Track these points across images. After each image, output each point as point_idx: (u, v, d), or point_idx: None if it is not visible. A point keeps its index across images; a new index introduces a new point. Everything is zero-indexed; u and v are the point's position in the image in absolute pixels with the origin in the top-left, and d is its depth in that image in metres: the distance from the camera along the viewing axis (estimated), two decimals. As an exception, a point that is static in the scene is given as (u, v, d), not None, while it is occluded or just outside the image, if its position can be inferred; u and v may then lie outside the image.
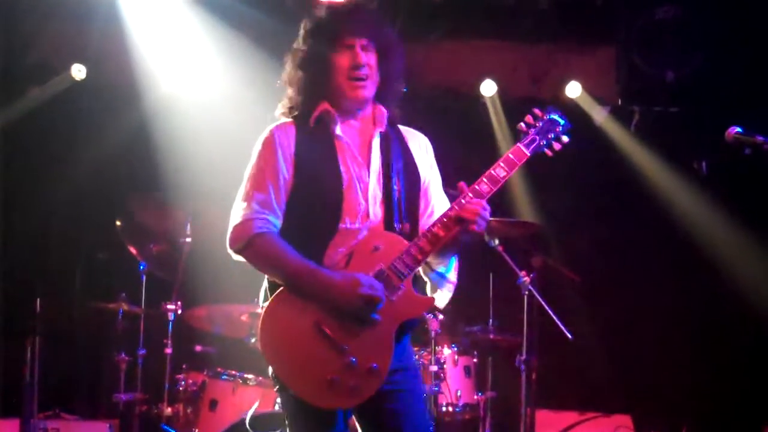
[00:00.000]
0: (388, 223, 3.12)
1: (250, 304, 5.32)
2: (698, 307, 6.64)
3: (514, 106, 7.09)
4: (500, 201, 5.86)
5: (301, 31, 3.23)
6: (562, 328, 4.86)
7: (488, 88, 6.98)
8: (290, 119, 3.20)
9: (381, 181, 3.15)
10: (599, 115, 7.00)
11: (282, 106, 3.26)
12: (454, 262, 3.26)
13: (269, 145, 3.14)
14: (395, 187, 3.14)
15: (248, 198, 3.10)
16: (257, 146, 3.17)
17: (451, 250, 3.19)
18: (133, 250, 5.66)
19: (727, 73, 6.31)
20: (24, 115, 6.56)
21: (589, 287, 6.47)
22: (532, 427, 5.17)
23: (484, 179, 3.08)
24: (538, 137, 3.16)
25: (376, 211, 3.11)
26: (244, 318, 5.40)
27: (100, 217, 6.07)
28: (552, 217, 6.45)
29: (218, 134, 6.43)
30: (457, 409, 5.45)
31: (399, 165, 3.19)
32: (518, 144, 3.15)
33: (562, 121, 3.20)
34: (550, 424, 6.10)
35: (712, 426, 5.81)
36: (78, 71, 6.63)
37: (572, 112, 6.97)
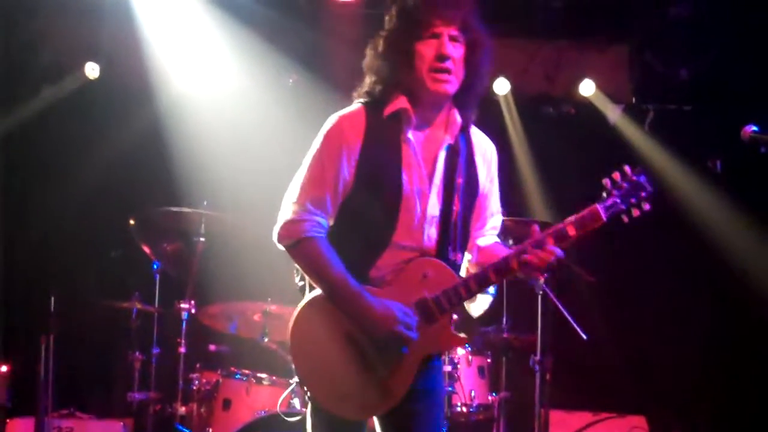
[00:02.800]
0: (442, 248, 3.03)
1: (264, 302, 5.33)
2: (713, 307, 6.62)
3: (528, 105, 7.09)
4: (513, 200, 5.85)
5: (388, 15, 3.04)
6: (577, 328, 4.84)
7: (501, 86, 6.97)
8: (360, 104, 3.05)
9: (441, 199, 3.03)
10: (613, 113, 6.98)
11: (357, 94, 3.08)
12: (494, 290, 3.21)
13: (335, 138, 2.99)
14: (454, 208, 3.03)
15: (304, 193, 2.99)
16: (322, 133, 3.02)
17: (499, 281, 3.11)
18: (146, 249, 5.66)
19: (741, 70, 6.28)
20: (38, 114, 6.59)
21: (604, 287, 6.44)
22: (546, 427, 5.15)
23: (551, 234, 2.97)
24: (619, 200, 2.98)
25: (430, 232, 3.02)
26: (257, 317, 5.40)
27: (114, 216, 6.08)
28: (565, 217, 6.42)
29: (231, 132, 6.45)
30: (471, 410, 5.44)
31: (461, 181, 3.05)
32: (597, 205, 2.99)
33: (648, 186, 3.01)
34: (565, 424, 6.08)
35: (727, 428, 5.78)
36: (91, 70, 6.66)
37: (586, 110, 6.99)
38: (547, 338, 5.14)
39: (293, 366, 3.05)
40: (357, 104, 3.07)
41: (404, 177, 2.98)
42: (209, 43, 6.51)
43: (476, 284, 2.98)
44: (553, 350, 5.17)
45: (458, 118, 3.06)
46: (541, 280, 5.01)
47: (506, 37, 6.80)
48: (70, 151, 6.60)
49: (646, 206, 3.01)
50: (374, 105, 3.03)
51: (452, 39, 2.95)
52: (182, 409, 5.30)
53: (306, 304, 3.03)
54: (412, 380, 2.98)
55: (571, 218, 3.00)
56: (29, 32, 6.51)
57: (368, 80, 3.06)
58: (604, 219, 2.98)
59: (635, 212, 3.00)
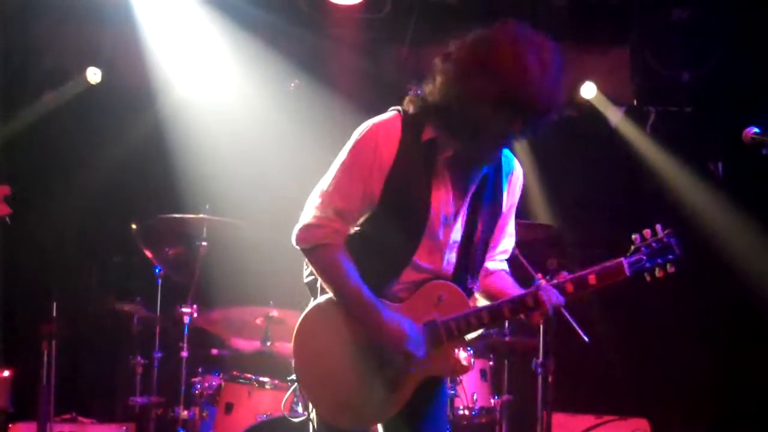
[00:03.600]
0: (460, 274, 3.00)
1: (266, 307, 5.33)
2: (715, 309, 6.60)
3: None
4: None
5: (488, 60, 2.74)
6: (579, 331, 4.82)
7: (503, 89, 6.95)
8: (398, 112, 2.93)
9: (464, 224, 2.97)
10: (614, 115, 6.97)
11: (416, 99, 2.90)
12: None
13: (368, 145, 2.89)
14: (476, 240, 2.99)
15: (328, 200, 2.92)
16: (354, 138, 2.92)
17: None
18: (148, 254, 5.66)
19: (743, 73, 6.27)
20: (40, 119, 6.59)
21: (605, 290, 6.43)
22: (549, 430, 5.13)
23: (573, 280, 2.99)
24: (645, 258, 3.00)
25: (450, 257, 2.99)
26: (259, 322, 5.40)
27: (116, 221, 6.09)
28: (568, 220, 6.42)
29: (233, 137, 6.45)
30: (474, 413, 5.43)
31: (486, 207, 3.00)
32: (623, 259, 2.99)
33: (677, 250, 3.04)
34: (567, 427, 6.07)
35: (730, 430, 5.76)
36: (93, 75, 6.66)
37: (587, 112, 6.98)
38: (550, 341, 5.12)
39: (294, 369, 3.03)
40: (394, 112, 2.96)
41: (432, 202, 2.91)
42: (210, 47, 6.52)
43: (489, 317, 2.97)
44: (556, 353, 5.15)
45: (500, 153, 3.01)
46: (542, 283, 5.01)
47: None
48: (72, 156, 6.61)
49: (672, 269, 3.03)
50: (413, 120, 2.91)
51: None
52: (184, 413, 5.30)
53: (313, 308, 3.02)
54: (407, 399, 2.96)
55: (595, 268, 2.99)
56: (31, 37, 6.51)
57: (427, 100, 2.86)
58: (627, 274, 2.98)
59: (659, 273, 3.02)
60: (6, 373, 5.69)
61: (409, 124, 2.90)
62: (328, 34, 6.60)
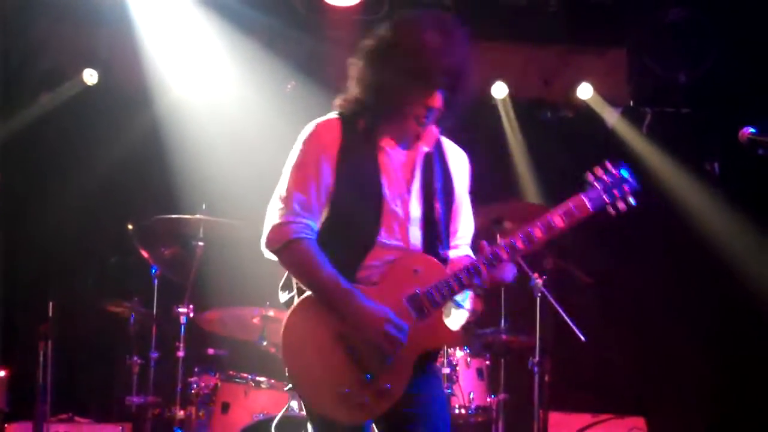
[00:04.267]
0: (430, 247, 3.06)
1: (262, 306, 5.33)
2: (712, 308, 6.62)
3: (526, 108, 7.10)
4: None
5: (390, 35, 3.00)
6: (575, 329, 4.84)
7: (499, 90, 6.98)
8: (337, 115, 3.09)
9: (421, 202, 3.07)
10: (611, 116, 6.99)
11: (338, 102, 3.10)
12: (468, 294, 3.20)
13: (313, 143, 3.03)
14: (436, 211, 3.07)
15: (289, 197, 3.01)
16: (300, 141, 3.06)
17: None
18: (145, 254, 5.66)
19: (739, 73, 6.28)
20: (36, 121, 6.59)
21: (602, 289, 6.45)
22: (545, 429, 5.15)
23: (539, 225, 2.99)
24: (603, 193, 3.03)
25: (415, 233, 3.04)
26: (256, 321, 5.39)
27: (113, 221, 6.09)
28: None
29: (229, 138, 6.45)
30: (470, 412, 5.44)
31: (439, 185, 3.11)
32: (581, 195, 3.03)
33: (632, 181, 3.06)
34: (564, 426, 6.07)
35: (727, 429, 5.77)
36: (90, 76, 6.67)
37: (583, 113, 7.00)
38: (546, 340, 5.14)
39: (287, 371, 3.02)
40: (334, 114, 3.11)
41: (383, 181, 3.04)
42: (207, 49, 6.51)
43: (467, 276, 2.98)
44: (552, 352, 5.17)
45: (434, 130, 3.13)
46: (538, 282, 5.02)
47: (504, 41, 6.82)
48: (68, 157, 6.61)
49: (632, 201, 3.04)
50: (349, 117, 3.08)
51: (443, 95, 2.99)
52: (181, 413, 5.30)
53: (296, 308, 3.02)
54: (409, 379, 2.96)
55: (558, 209, 3.02)
56: (28, 38, 6.51)
57: (354, 90, 3.05)
58: (591, 209, 3.02)
59: (621, 206, 3.04)
60: (2, 373, 5.68)
61: (346, 119, 3.07)
62: (325, 36, 6.60)
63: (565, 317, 4.90)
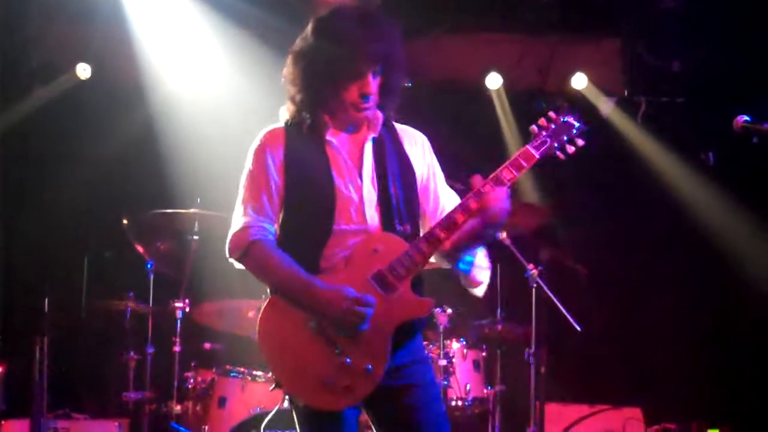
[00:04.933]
0: (388, 225, 3.09)
1: (258, 300, 5.32)
2: (708, 298, 6.63)
3: (520, 99, 7.09)
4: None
5: (311, 32, 3.08)
6: (571, 320, 4.85)
7: (493, 81, 6.97)
8: (281, 125, 3.18)
9: (375, 184, 3.10)
10: (606, 106, 6.98)
11: (287, 109, 3.19)
12: (479, 249, 3.20)
13: (259, 152, 3.13)
14: (392, 191, 3.10)
15: (244, 206, 3.11)
16: (249, 155, 3.16)
17: (472, 244, 3.12)
18: (140, 249, 5.66)
19: (734, 62, 6.28)
20: (30, 115, 6.57)
21: (598, 279, 6.45)
22: (542, 420, 5.16)
23: (490, 181, 3.01)
24: (549, 140, 3.06)
25: (372, 214, 3.08)
26: (251, 315, 5.39)
27: (107, 216, 6.08)
28: (559, 209, 6.42)
29: (224, 131, 6.42)
30: (467, 403, 5.44)
31: (394, 167, 3.14)
32: (527, 146, 3.06)
33: (577, 124, 3.09)
34: (560, 417, 6.07)
35: (723, 419, 5.78)
36: (83, 70, 6.64)
37: (578, 103, 6.99)
38: (542, 331, 5.14)
39: (270, 371, 3.07)
40: (278, 124, 3.20)
41: (333, 170, 3.09)
42: (201, 43, 6.50)
43: (426, 244, 3.01)
44: (548, 343, 5.18)
45: (379, 114, 3.17)
46: (534, 273, 5.02)
47: (498, 31, 6.81)
48: (62, 152, 6.59)
49: (580, 142, 3.08)
50: (292, 120, 3.16)
51: (374, 73, 3.05)
52: (178, 408, 5.30)
53: (266, 305, 3.06)
54: (387, 356, 2.97)
55: (506, 164, 3.04)
56: (20, 34, 6.49)
57: (291, 92, 3.13)
58: (537, 156, 3.04)
59: (569, 149, 3.08)
60: (-2, 370, 5.68)
61: (290, 124, 3.16)
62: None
63: (561, 308, 4.91)
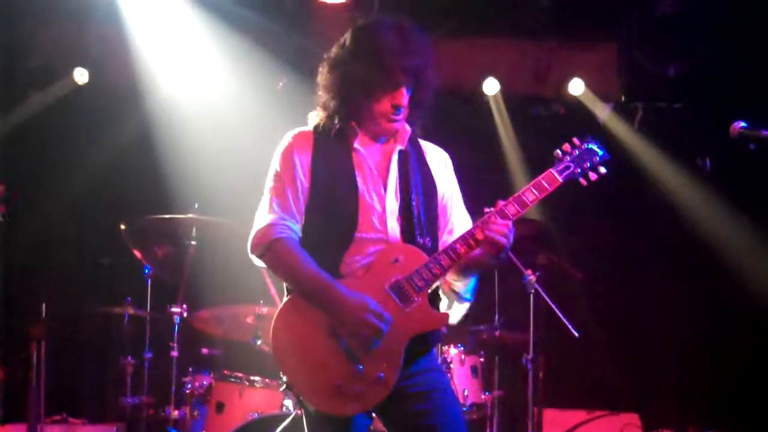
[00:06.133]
0: (409, 236, 3.11)
1: (256, 305, 5.32)
2: (704, 304, 6.63)
3: (518, 105, 7.10)
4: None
5: (350, 41, 3.14)
6: (569, 326, 4.85)
7: (491, 86, 6.98)
8: (310, 128, 3.20)
9: (398, 196, 3.14)
10: (602, 111, 6.99)
11: (317, 115, 3.21)
12: (473, 283, 3.25)
13: (287, 153, 3.15)
14: (414, 203, 3.14)
15: (269, 204, 3.12)
16: (276, 155, 3.19)
17: (472, 271, 3.19)
18: (137, 254, 5.64)
19: (730, 67, 6.28)
20: (27, 120, 6.56)
21: (595, 285, 6.46)
22: (540, 426, 5.16)
23: (512, 202, 3.05)
24: (572, 165, 3.12)
25: (393, 225, 3.11)
26: (249, 320, 5.38)
27: (105, 221, 6.07)
28: (556, 215, 6.43)
29: (221, 136, 6.44)
30: (465, 409, 5.43)
31: (417, 181, 3.18)
32: (551, 170, 3.11)
33: (600, 152, 3.15)
34: (558, 422, 6.09)
35: (720, 424, 5.79)
36: (80, 75, 6.64)
37: (575, 109, 7.00)
38: (540, 337, 5.15)
39: (280, 370, 3.05)
40: (307, 127, 3.23)
41: (358, 178, 3.13)
42: (198, 47, 6.50)
43: (446, 257, 3.04)
44: (546, 349, 5.18)
45: (407, 127, 3.21)
46: (532, 279, 5.02)
47: (494, 37, 6.82)
48: (60, 157, 6.59)
49: (602, 170, 3.14)
50: (322, 125, 3.19)
51: (407, 87, 3.10)
52: (175, 413, 5.28)
53: (282, 308, 3.08)
54: (399, 365, 2.98)
55: (529, 185, 3.10)
56: (17, 38, 6.48)
57: (324, 98, 3.16)
58: (561, 180, 3.10)
59: (592, 176, 3.14)
60: (-5, 375, 5.67)
61: (319, 128, 3.20)
62: (315, 33, 6.59)
63: (559, 314, 4.91)
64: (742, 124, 3.21)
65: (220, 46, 6.46)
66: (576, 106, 7.00)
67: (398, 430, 3.13)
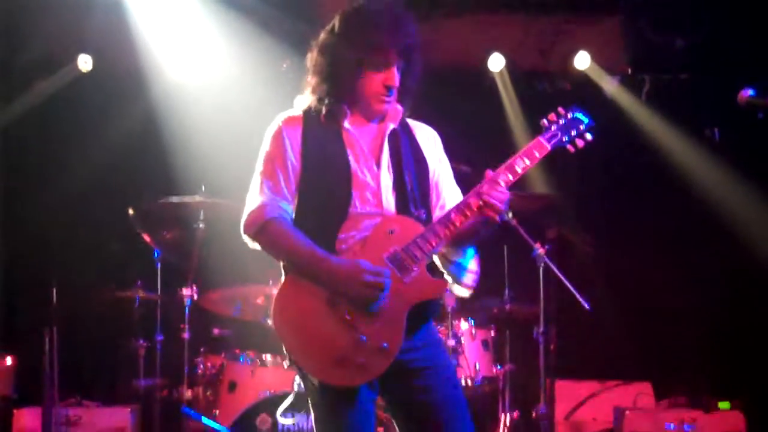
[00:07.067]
0: (403, 209, 3.14)
1: (266, 286, 5.33)
2: (715, 272, 6.61)
3: (523, 80, 7.08)
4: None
5: (339, 23, 3.15)
6: (579, 298, 4.84)
7: (496, 62, 6.95)
8: (299, 112, 3.21)
9: (391, 171, 3.17)
10: (609, 84, 6.96)
11: (305, 100, 3.22)
12: (472, 253, 3.27)
13: (277, 136, 3.17)
14: (407, 178, 3.16)
15: (260, 186, 3.14)
16: (266, 138, 3.20)
17: (467, 241, 3.21)
18: (146, 238, 5.66)
19: (737, 37, 6.25)
20: (32, 109, 6.57)
21: (605, 256, 6.45)
22: (553, 397, 5.17)
23: (504, 170, 3.09)
24: (560, 133, 3.16)
25: (388, 198, 3.13)
26: (259, 300, 5.41)
27: (113, 206, 6.08)
28: (565, 189, 6.42)
29: (226, 118, 6.43)
30: (477, 383, 5.44)
31: (408, 158, 3.21)
32: (539, 137, 3.16)
33: (585, 120, 3.20)
34: (571, 393, 6.10)
35: (733, 391, 5.78)
36: (84, 62, 6.64)
37: (582, 83, 6.97)
38: (550, 309, 5.15)
39: (284, 349, 3.06)
40: (294, 113, 3.24)
41: (350, 156, 3.15)
42: (201, 30, 6.49)
43: (442, 226, 3.06)
44: (556, 321, 5.18)
45: (399, 108, 3.23)
46: (541, 252, 5.02)
47: (499, 12, 6.78)
48: (66, 144, 6.60)
49: (588, 137, 3.19)
50: (311, 107, 3.21)
51: (398, 67, 3.13)
52: (188, 393, 5.32)
53: (281, 287, 3.09)
54: (402, 334, 3.00)
55: (519, 154, 3.13)
56: (20, 26, 6.48)
57: (313, 82, 3.18)
58: (549, 148, 3.15)
59: (579, 143, 3.19)
60: (9, 361, 5.70)
61: (308, 110, 3.21)
62: (318, 15, 6.56)
63: (569, 286, 4.91)
64: (750, 92, 3.20)
65: (223, 29, 6.44)
66: (582, 80, 6.97)
67: (398, 406, 3.15)
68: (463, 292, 3.31)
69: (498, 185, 3.05)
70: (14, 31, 6.45)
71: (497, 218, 3.05)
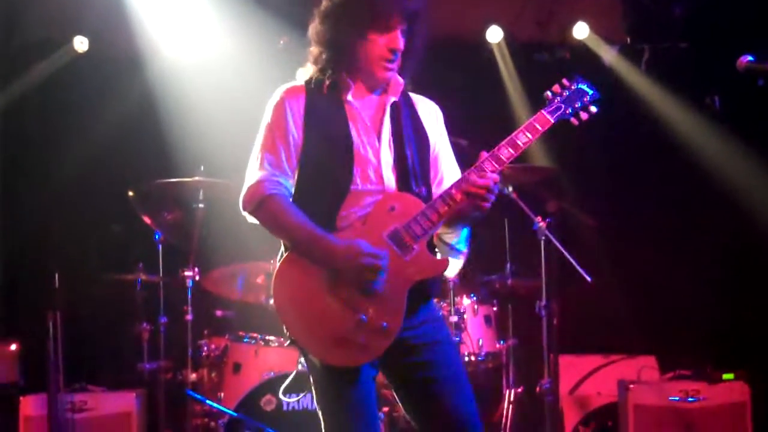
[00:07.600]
0: (404, 186, 3.12)
1: (266, 263, 5.33)
2: (718, 243, 6.60)
3: (522, 52, 7.03)
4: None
5: None
6: (581, 271, 4.83)
7: (494, 34, 6.91)
8: (302, 83, 3.17)
9: (392, 146, 3.14)
10: (608, 54, 6.91)
11: (307, 71, 3.19)
12: (465, 233, 3.27)
13: (279, 108, 3.12)
14: (408, 153, 3.14)
15: (260, 160, 3.10)
16: (267, 109, 3.16)
17: (461, 222, 3.21)
18: (147, 220, 5.66)
19: (736, 4, 6.19)
20: (29, 90, 6.54)
21: (607, 229, 6.43)
22: (557, 372, 5.16)
23: (505, 145, 3.05)
24: (563, 105, 3.13)
25: (389, 175, 3.10)
26: (259, 280, 5.41)
27: (112, 189, 6.07)
28: (565, 160, 6.38)
29: (224, 96, 6.40)
30: (480, 358, 5.45)
31: (409, 132, 3.18)
32: (542, 111, 3.13)
33: (590, 91, 3.17)
34: (575, 368, 6.09)
35: (737, 364, 5.78)
36: (80, 43, 6.60)
37: (580, 53, 6.92)
38: (552, 283, 5.13)
39: (284, 328, 3.05)
40: (296, 84, 3.21)
41: (352, 130, 3.11)
42: (197, 8, 6.45)
43: (442, 203, 3.03)
44: (559, 295, 5.16)
45: (400, 80, 3.19)
46: (542, 225, 5.00)
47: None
48: (64, 126, 6.58)
49: (593, 109, 3.16)
50: (313, 79, 3.17)
51: (402, 32, 3.09)
52: (193, 376, 5.33)
53: (281, 264, 3.07)
54: (402, 314, 2.99)
55: (521, 128, 3.10)
56: (15, 8, 6.44)
57: (315, 50, 3.15)
58: (552, 121, 3.11)
59: (583, 115, 3.16)
60: (13, 347, 5.71)
61: (310, 82, 3.17)
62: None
63: (571, 259, 4.89)
64: (749, 58, 3.17)
65: (219, 6, 6.40)
66: (581, 50, 6.93)
67: (400, 382, 3.15)
68: (451, 272, 3.32)
69: (498, 162, 3.02)
70: (11, 14, 6.40)
71: (485, 205, 3.02)
